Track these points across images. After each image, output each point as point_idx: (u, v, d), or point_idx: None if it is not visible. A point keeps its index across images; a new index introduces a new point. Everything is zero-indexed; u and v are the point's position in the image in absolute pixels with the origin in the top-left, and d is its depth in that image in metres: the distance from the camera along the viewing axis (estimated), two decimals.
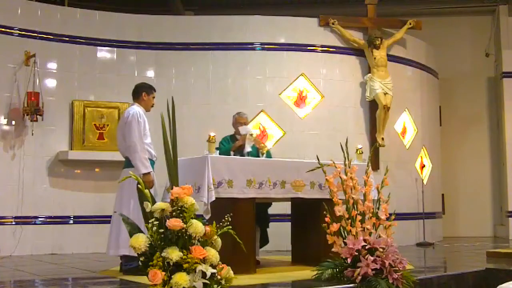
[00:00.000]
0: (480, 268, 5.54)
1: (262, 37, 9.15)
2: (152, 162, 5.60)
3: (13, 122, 8.08)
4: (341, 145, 4.95)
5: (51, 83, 8.42)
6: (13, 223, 7.91)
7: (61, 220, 8.24)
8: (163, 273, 3.35)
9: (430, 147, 10.59)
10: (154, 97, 5.88)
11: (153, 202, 3.57)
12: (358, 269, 4.41)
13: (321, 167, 4.96)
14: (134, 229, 3.60)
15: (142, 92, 5.83)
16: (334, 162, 4.98)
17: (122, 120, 5.75)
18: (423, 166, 10.03)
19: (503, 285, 3.83)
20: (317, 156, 5.10)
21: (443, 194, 11.37)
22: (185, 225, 3.44)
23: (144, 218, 3.64)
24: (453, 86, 11.94)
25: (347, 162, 4.93)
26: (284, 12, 10.44)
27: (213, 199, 5.18)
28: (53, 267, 6.49)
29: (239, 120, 6.85)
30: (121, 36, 8.84)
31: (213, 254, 3.49)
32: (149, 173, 5.42)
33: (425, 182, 10.02)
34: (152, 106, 5.87)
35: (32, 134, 8.00)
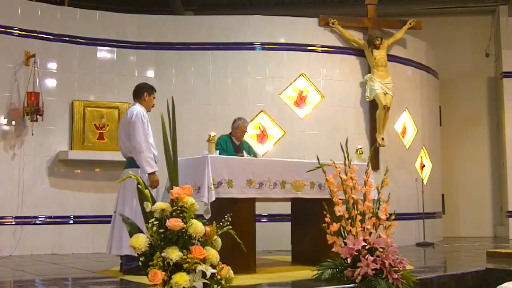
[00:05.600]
0: (480, 268, 5.53)
1: (262, 37, 9.15)
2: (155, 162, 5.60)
3: (13, 122, 8.08)
4: (341, 145, 4.95)
5: (51, 83, 8.42)
6: (13, 223, 7.91)
7: (61, 220, 8.24)
8: (163, 273, 3.35)
9: (430, 147, 10.59)
10: (154, 98, 5.89)
11: (153, 202, 3.57)
12: (358, 269, 4.41)
13: (321, 167, 4.96)
14: (134, 229, 3.60)
15: (143, 92, 5.84)
16: (334, 162, 4.98)
17: (124, 119, 5.72)
18: (423, 166, 10.04)
19: (503, 285, 3.83)
20: (317, 156, 5.10)
21: (443, 194, 11.37)
22: (185, 225, 3.44)
23: (144, 218, 3.64)
24: (453, 86, 11.95)
25: (347, 162, 4.93)
26: (284, 12, 10.45)
27: (213, 199, 5.19)
28: (53, 267, 6.49)
29: (241, 128, 7.01)
30: (121, 36, 8.84)
31: (213, 254, 3.49)
32: (154, 172, 5.43)
33: (425, 182, 10.02)
34: (153, 107, 5.88)
35: (32, 134, 8.00)
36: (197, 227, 3.46)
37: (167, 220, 3.44)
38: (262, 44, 9.14)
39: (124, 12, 9.20)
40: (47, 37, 8.42)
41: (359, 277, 4.39)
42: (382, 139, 9.27)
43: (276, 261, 6.81)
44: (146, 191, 3.58)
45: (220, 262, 3.54)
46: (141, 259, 3.51)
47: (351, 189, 4.80)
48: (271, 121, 9.01)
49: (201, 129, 8.22)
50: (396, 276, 4.40)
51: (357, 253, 4.48)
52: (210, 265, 3.44)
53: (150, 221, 3.49)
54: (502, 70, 11.31)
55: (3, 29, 8.11)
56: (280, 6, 11.68)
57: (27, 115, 7.96)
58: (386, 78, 9.29)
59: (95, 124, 8.48)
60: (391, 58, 9.62)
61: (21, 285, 5.10)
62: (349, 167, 4.91)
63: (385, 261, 4.41)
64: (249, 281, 4.70)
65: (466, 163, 11.87)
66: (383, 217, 4.74)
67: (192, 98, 8.85)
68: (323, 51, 9.32)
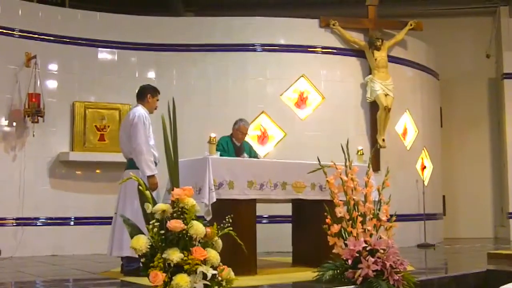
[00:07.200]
0: (481, 270, 5.54)
1: (263, 38, 9.15)
2: (155, 164, 5.59)
3: (14, 124, 8.08)
4: (341, 146, 4.95)
5: (52, 84, 8.43)
6: (14, 224, 7.91)
7: (62, 221, 8.24)
8: (164, 274, 3.35)
9: (431, 148, 10.58)
10: (158, 100, 5.88)
11: (154, 203, 3.57)
12: (359, 271, 4.41)
13: (322, 168, 4.96)
14: (134, 231, 3.60)
15: (147, 93, 5.83)
16: (335, 163, 4.98)
17: (126, 120, 5.71)
18: (424, 167, 10.02)
19: (504, 286, 3.83)
20: (317, 158, 5.10)
21: (444, 195, 11.36)
22: (186, 227, 3.44)
23: (145, 220, 3.64)
24: (454, 87, 11.94)
25: (348, 163, 4.93)
26: (284, 13, 10.43)
27: (214, 200, 5.19)
28: (54, 269, 6.49)
29: (241, 130, 7.02)
30: (122, 37, 8.84)
31: (213, 255, 3.49)
32: (154, 175, 5.43)
33: (426, 183, 10.01)
34: (155, 109, 5.86)
35: (33, 135, 7.99)
36: (198, 229, 3.46)
37: (168, 222, 3.44)
38: (262, 45, 9.14)
39: (124, 13, 9.19)
40: (48, 38, 8.42)
41: (360, 279, 4.39)
42: (383, 140, 9.26)
43: (277, 262, 6.81)
44: (147, 192, 3.59)
45: (220, 263, 3.54)
46: (142, 260, 3.51)
47: (352, 191, 4.81)
48: (272, 122, 9.01)
49: (202, 130, 8.18)
50: (397, 277, 4.40)
51: (358, 255, 4.48)
52: (211, 267, 3.44)
53: (151, 223, 3.49)
54: (502, 71, 11.31)
55: (4, 30, 8.12)
56: (281, 7, 11.66)
57: (28, 117, 7.96)
58: (386, 79, 9.29)
59: (96, 126, 8.48)
60: (392, 59, 9.61)
61: (21, 286, 5.11)
62: (350, 168, 4.91)
63: (386, 262, 4.41)
64: (250, 283, 4.70)
65: (467, 164, 11.86)
66: (384, 218, 4.74)
67: (192, 99, 8.84)
68: (323, 52, 9.32)
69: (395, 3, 11.44)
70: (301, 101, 9.17)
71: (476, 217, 11.68)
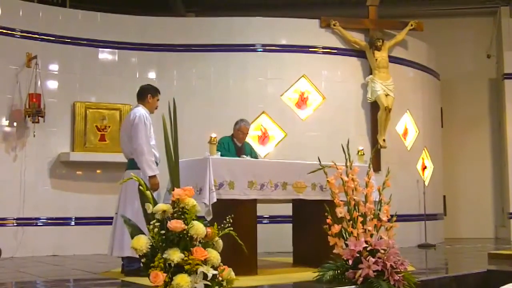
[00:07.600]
0: (481, 270, 5.53)
1: (263, 39, 9.15)
2: (156, 164, 5.59)
3: (15, 124, 8.09)
4: (342, 147, 4.95)
5: (52, 84, 8.43)
6: (15, 224, 7.92)
7: (63, 221, 8.25)
8: (165, 274, 3.35)
9: (432, 149, 10.58)
10: (158, 100, 5.89)
11: (155, 203, 3.58)
12: (360, 271, 4.41)
13: (323, 168, 4.97)
14: (135, 231, 3.61)
15: (147, 94, 5.83)
16: (335, 164, 4.98)
17: (127, 121, 5.71)
18: (424, 168, 10.02)
19: (505, 286, 3.83)
20: (318, 158, 5.10)
21: (444, 196, 11.36)
22: (186, 227, 3.44)
23: (145, 220, 3.64)
24: (455, 87, 11.94)
25: (348, 164, 4.93)
26: (285, 13, 10.43)
27: (215, 200, 5.19)
28: (54, 269, 6.49)
29: (242, 130, 7.04)
30: (123, 37, 8.85)
31: (214, 255, 3.49)
32: (155, 175, 5.42)
33: (426, 183, 10.01)
34: (156, 109, 5.86)
35: (34, 135, 8.00)
36: (199, 229, 3.46)
37: (169, 222, 3.44)
38: (263, 45, 9.14)
39: (125, 13, 9.20)
40: (48, 38, 8.43)
41: (361, 279, 4.39)
42: (384, 140, 9.26)
43: (278, 262, 6.80)
44: (148, 192, 3.59)
45: (221, 263, 3.54)
46: (142, 260, 3.51)
47: (353, 191, 4.81)
48: (273, 122, 9.01)
49: (202, 130, 8.17)
50: (398, 277, 4.40)
51: (358, 255, 4.48)
52: (211, 267, 3.44)
53: (151, 223, 3.50)
54: (503, 72, 11.31)
55: (4, 31, 8.12)
56: (281, 8, 11.66)
57: (28, 117, 7.96)
58: (387, 79, 9.29)
59: (96, 126, 8.48)
60: (393, 59, 9.61)
61: (22, 286, 5.11)
62: (351, 168, 4.91)
63: (387, 262, 4.41)
64: (250, 283, 4.70)
65: (468, 165, 11.86)
66: (384, 218, 4.74)
67: (193, 99, 8.85)
68: (324, 53, 9.32)
69: (395, 3, 11.44)
70: (302, 101, 9.17)
71: (476, 217, 11.68)
